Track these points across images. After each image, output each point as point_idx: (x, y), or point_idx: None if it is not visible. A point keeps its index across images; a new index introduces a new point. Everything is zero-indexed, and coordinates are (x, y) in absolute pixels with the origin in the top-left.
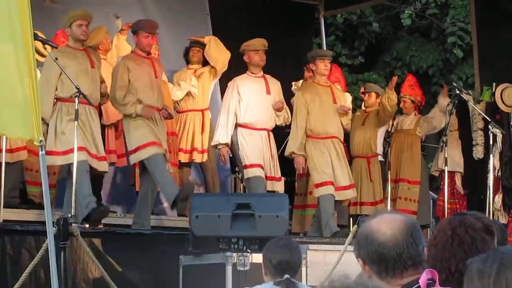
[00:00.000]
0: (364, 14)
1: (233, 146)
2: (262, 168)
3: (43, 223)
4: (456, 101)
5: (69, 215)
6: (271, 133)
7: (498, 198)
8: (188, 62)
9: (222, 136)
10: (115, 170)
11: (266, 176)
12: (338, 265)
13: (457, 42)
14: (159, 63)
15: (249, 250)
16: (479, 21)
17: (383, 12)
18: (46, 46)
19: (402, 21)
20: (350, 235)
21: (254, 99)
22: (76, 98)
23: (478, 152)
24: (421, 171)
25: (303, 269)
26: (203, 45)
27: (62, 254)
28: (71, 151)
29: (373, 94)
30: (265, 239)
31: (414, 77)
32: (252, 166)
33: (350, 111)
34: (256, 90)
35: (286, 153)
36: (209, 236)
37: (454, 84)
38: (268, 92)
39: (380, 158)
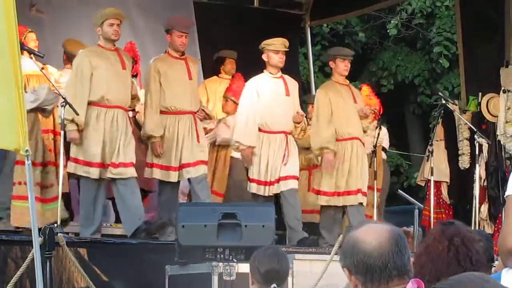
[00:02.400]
0: (350, 24)
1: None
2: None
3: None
4: (442, 111)
5: (55, 224)
6: (289, 136)
7: (484, 208)
8: (217, 71)
9: (242, 137)
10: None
11: (280, 178)
12: (324, 275)
13: (443, 52)
14: (194, 63)
15: (235, 260)
16: (465, 31)
17: (369, 22)
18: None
19: (388, 31)
20: (336, 245)
21: (273, 100)
22: (63, 108)
23: (464, 162)
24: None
25: (289, 278)
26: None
27: (48, 263)
28: (91, 164)
29: None
30: (251, 249)
31: (369, 87)
32: (254, 181)
33: (371, 114)
34: (275, 91)
35: (315, 150)
36: (195, 246)
37: (440, 94)
38: (288, 93)
39: None
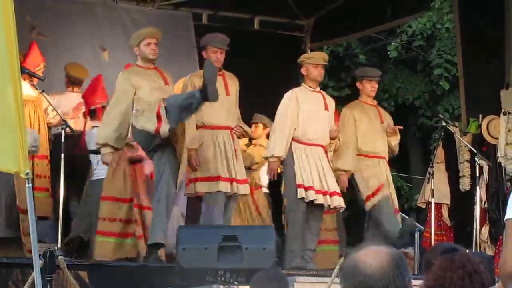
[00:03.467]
0: (350, 46)
1: (284, 162)
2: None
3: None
4: (443, 133)
5: (56, 247)
6: (327, 150)
7: (485, 230)
8: None
9: (279, 148)
10: None
11: (323, 191)
12: None
13: (444, 74)
14: (232, 78)
15: (236, 282)
16: (465, 53)
17: (370, 44)
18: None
19: (388, 53)
20: (337, 267)
21: (313, 114)
22: (63, 130)
23: (464, 184)
24: None
25: None
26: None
27: (48, 287)
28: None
29: (260, 125)
30: (252, 271)
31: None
32: (305, 188)
33: (398, 132)
34: (316, 105)
35: (335, 168)
36: (196, 268)
37: (441, 116)
38: (327, 108)
39: None
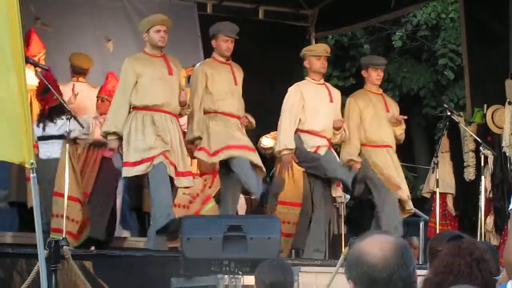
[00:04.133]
0: (355, 36)
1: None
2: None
3: (34, 245)
4: (448, 123)
5: (61, 237)
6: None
7: (490, 219)
8: None
9: (290, 141)
10: None
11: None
12: (329, 287)
13: (448, 64)
14: (239, 69)
15: (240, 272)
16: (470, 43)
17: (374, 33)
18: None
19: (393, 42)
20: (342, 257)
21: (318, 106)
22: (68, 120)
23: (469, 174)
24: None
25: None
26: None
27: (53, 277)
28: (148, 159)
29: None
30: (256, 261)
31: None
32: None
33: (403, 121)
34: (320, 97)
35: (343, 161)
36: (201, 259)
37: (445, 105)
38: (331, 100)
39: None
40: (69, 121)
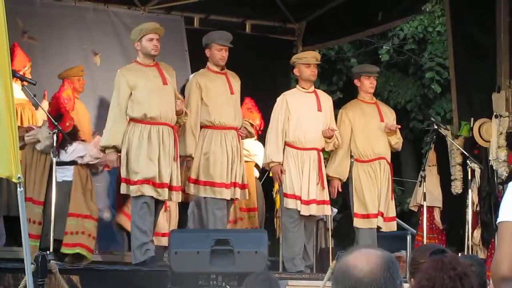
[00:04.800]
0: (342, 50)
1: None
2: (300, 200)
3: (21, 260)
4: (435, 136)
5: (47, 252)
6: (321, 153)
7: (477, 233)
8: None
9: (275, 154)
10: None
11: (310, 200)
12: None
13: (435, 77)
14: (234, 77)
15: (228, 286)
16: (457, 56)
17: (361, 47)
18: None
19: (380, 56)
20: (329, 271)
21: (305, 115)
22: (55, 135)
23: (456, 187)
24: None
25: None
26: None
27: None
28: (138, 182)
29: None
30: (244, 275)
31: (252, 100)
32: (291, 197)
33: (398, 130)
34: (307, 106)
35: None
36: (188, 273)
37: (432, 119)
38: (320, 109)
39: None
40: (55, 135)
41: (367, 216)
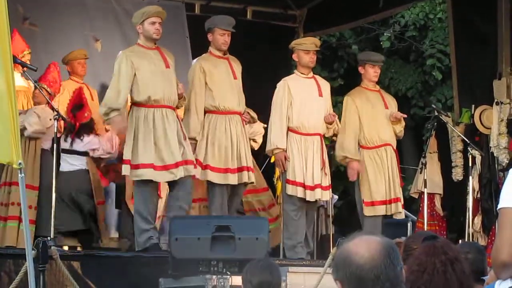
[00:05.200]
0: (343, 37)
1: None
2: (304, 187)
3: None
4: (435, 123)
5: (48, 237)
6: (323, 139)
7: (478, 220)
8: None
9: (279, 140)
10: None
11: (314, 185)
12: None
13: (436, 64)
14: (236, 62)
15: (229, 273)
16: (458, 43)
17: (362, 34)
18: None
19: (381, 43)
20: (330, 257)
21: (307, 101)
22: (55, 121)
23: (457, 174)
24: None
25: None
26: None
27: (41, 277)
28: (141, 166)
29: None
30: (245, 261)
31: None
32: (294, 183)
33: (403, 119)
34: (308, 92)
35: (338, 158)
36: (189, 259)
37: (433, 106)
38: (320, 94)
39: None
40: (57, 121)
41: (371, 204)
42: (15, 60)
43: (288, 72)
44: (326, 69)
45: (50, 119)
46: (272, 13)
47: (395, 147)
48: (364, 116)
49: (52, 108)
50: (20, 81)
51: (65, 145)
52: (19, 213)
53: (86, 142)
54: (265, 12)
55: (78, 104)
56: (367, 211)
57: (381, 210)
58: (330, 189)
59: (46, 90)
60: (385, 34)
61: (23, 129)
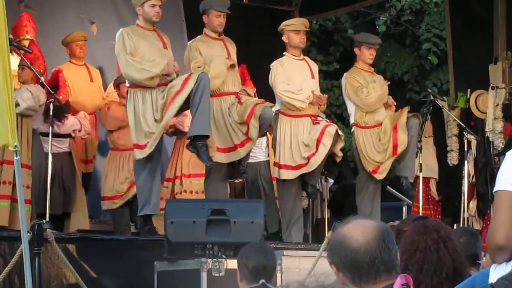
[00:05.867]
0: (339, 21)
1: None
2: (296, 168)
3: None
4: (431, 108)
5: (44, 220)
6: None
7: (473, 204)
8: None
9: (301, 96)
10: None
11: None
12: (313, 271)
13: (432, 49)
14: (231, 43)
15: (224, 256)
16: (454, 28)
17: (358, 18)
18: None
19: (377, 27)
20: (325, 241)
21: (302, 82)
22: (51, 104)
23: (452, 158)
24: None
25: (278, 274)
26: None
27: (36, 260)
28: (143, 146)
29: None
30: (240, 245)
31: (244, 67)
32: (288, 167)
33: (394, 104)
34: (302, 74)
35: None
36: (184, 242)
37: (429, 90)
38: (313, 76)
39: None
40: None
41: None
42: (11, 42)
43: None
44: (322, 53)
45: (42, 97)
46: None
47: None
48: None
49: (49, 92)
50: (14, 63)
51: (44, 128)
52: (11, 192)
53: (70, 125)
54: None
55: (52, 86)
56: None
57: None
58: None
59: (29, 68)
60: (381, 18)
61: (15, 105)
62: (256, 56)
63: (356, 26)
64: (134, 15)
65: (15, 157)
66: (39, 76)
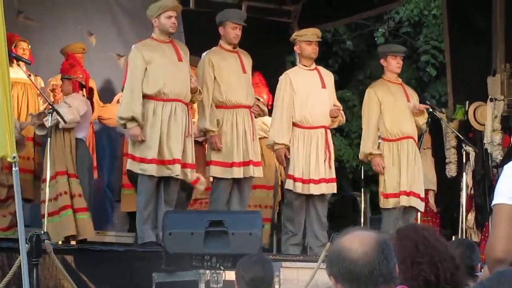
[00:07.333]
0: (338, 32)
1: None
2: (306, 182)
3: (16, 240)
4: (429, 119)
5: (42, 232)
6: (328, 131)
7: (471, 216)
8: None
9: (278, 135)
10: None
11: (319, 179)
12: (311, 283)
13: (430, 61)
14: (247, 56)
15: (222, 267)
16: (453, 40)
17: (357, 30)
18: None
19: (375, 39)
20: (324, 253)
21: (310, 94)
22: (50, 115)
23: (451, 170)
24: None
25: (276, 286)
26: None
27: (34, 271)
28: (146, 160)
29: None
30: (238, 256)
31: (260, 74)
32: (298, 180)
33: (425, 110)
34: (311, 84)
35: (361, 156)
36: (182, 253)
37: (427, 102)
38: (324, 86)
39: None
40: (51, 115)
41: (385, 196)
42: (10, 54)
43: (284, 67)
44: (321, 65)
45: (82, 107)
46: (267, 8)
47: (416, 141)
48: (385, 108)
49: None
50: (19, 73)
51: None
52: (70, 202)
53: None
54: (260, 7)
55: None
56: (381, 203)
57: (394, 202)
58: (335, 183)
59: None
60: (379, 30)
61: (57, 122)
62: (255, 67)
63: (355, 38)
64: (133, 27)
65: (13, 168)
66: (36, 86)
